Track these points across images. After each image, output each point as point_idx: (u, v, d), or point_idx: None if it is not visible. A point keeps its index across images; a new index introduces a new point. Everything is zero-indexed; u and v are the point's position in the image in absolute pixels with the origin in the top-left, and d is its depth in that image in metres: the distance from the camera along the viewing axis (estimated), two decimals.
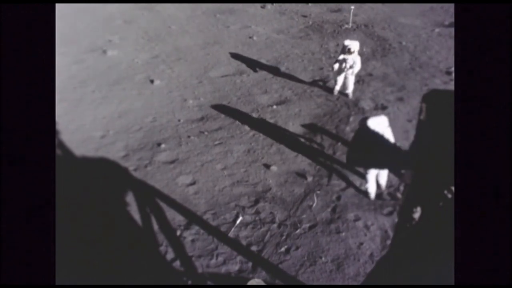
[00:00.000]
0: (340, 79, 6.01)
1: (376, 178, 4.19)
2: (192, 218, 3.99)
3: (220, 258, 3.53)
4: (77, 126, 5.69)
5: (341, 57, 5.74)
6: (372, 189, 4.13)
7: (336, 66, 5.84)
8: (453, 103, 1.15)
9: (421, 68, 6.97)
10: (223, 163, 4.80)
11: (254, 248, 3.62)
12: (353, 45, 5.59)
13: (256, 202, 4.15)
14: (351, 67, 5.77)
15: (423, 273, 1.32)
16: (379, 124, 3.57)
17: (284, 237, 3.72)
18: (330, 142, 5.11)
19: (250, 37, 8.88)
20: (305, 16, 10.11)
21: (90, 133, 5.53)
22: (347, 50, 5.61)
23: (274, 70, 7.27)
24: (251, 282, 3.24)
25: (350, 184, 4.37)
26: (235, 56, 7.93)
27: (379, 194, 4.17)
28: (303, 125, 5.51)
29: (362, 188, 4.25)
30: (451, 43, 7.93)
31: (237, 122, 5.66)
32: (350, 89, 6.09)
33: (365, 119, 3.72)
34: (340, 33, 8.87)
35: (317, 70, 7.15)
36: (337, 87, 6.16)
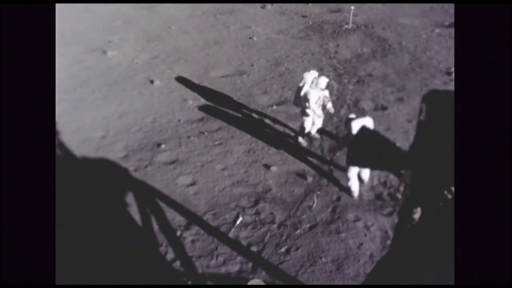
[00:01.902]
0: (309, 122, 4.84)
1: (358, 175, 4.11)
2: (192, 218, 3.99)
3: (220, 259, 3.53)
4: (77, 127, 5.69)
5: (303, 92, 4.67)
6: (355, 187, 4.09)
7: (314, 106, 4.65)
8: (453, 103, 1.15)
9: (421, 69, 6.97)
10: (223, 164, 4.80)
11: (254, 248, 3.62)
12: (321, 80, 4.59)
13: (256, 202, 4.15)
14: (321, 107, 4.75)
15: (423, 273, 1.32)
16: (365, 125, 3.58)
17: (284, 237, 3.72)
18: (330, 142, 5.11)
19: (250, 38, 8.88)
20: (305, 17, 10.12)
21: (90, 133, 5.53)
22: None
23: (274, 71, 7.27)
24: (251, 282, 3.24)
25: (338, 184, 4.35)
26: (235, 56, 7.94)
27: (379, 194, 4.17)
28: None
29: (344, 185, 4.19)
30: (451, 43, 7.93)
31: (237, 122, 5.66)
32: (314, 130, 5.02)
33: (349, 120, 3.73)
34: (340, 34, 8.87)
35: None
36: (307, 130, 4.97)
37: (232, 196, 4.27)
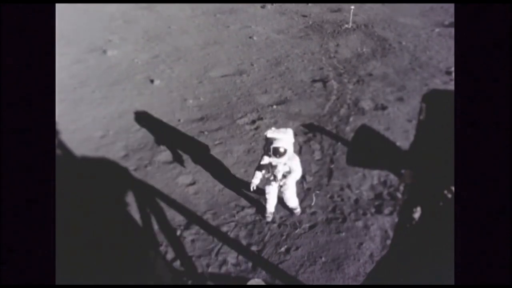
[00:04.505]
0: (272, 197, 3.71)
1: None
2: (192, 218, 3.99)
3: (220, 258, 3.53)
4: (77, 126, 5.69)
5: (266, 160, 3.46)
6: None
7: (258, 177, 3.55)
8: (453, 103, 1.15)
9: (421, 68, 6.97)
10: (224, 163, 4.80)
11: (254, 248, 3.62)
12: (283, 140, 3.28)
13: (256, 202, 4.15)
14: (284, 176, 3.49)
15: (423, 273, 1.32)
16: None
17: (284, 237, 3.72)
18: (330, 142, 5.11)
19: (250, 37, 8.88)
20: (305, 16, 10.11)
21: (90, 133, 5.53)
22: (273, 152, 3.28)
23: (274, 70, 7.27)
24: (251, 282, 3.24)
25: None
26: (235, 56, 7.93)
27: (379, 194, 4.17)
28: (303, 125, 5.51)
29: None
30: (451, 43, 7.93)
31: (237, 122, 5.66)
32: (293, 203, 3.82)
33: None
34: (340, 33, 8.87)
35: (317, 70, 7.15)
36: (270, 208, 3.84)
37: (232, 196, 4.27)
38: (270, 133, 3.34)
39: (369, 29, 8.93)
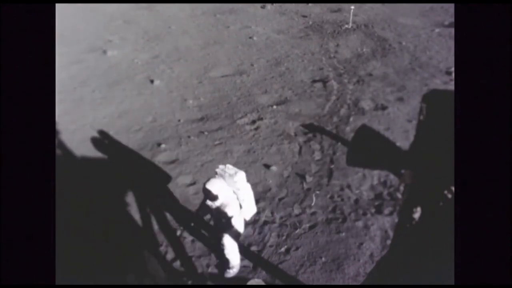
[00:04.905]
0: (230, 245, 3.15)
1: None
2: (192, 218, 3.99)
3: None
4: (77, 126, 5.69)
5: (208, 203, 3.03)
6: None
7: (202, 207, 3.18)
8: (453, 103, 1.15)
9: (421, 68, 6.97)
10: (223, 164, 4.80)
11: (254, 248, 3.62)
12: (217, 184, 2.90)
13: (256, 202, 4.15)
14: (219, 220, 3.04)
15: (423, 273, 1.32)
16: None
17: (284, 237, 3.72)
18: (330, 142, 5.11)
19: (250, 37, 8.88)
20: (305, 16, 10.11)
21: (90, 133, 5.53)
22: (202, 190, 2.93)
23: (274, 70, 7.27)
24: (251, 282, 3.23)
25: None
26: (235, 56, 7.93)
27: (379, 194, 4.17)
28: (303, 125, 5.51)
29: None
30: (451, 43, 7.93)
31: (237, 122, 5.66)
32: (231, 255, 3.21)
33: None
34: (340, 33, 8.87)
35: (317, 70, 7.15)
36: (234, 259, 3.29)
37: None
38: (219, 169, 3.01)
39: (369, 29, 8.93)
